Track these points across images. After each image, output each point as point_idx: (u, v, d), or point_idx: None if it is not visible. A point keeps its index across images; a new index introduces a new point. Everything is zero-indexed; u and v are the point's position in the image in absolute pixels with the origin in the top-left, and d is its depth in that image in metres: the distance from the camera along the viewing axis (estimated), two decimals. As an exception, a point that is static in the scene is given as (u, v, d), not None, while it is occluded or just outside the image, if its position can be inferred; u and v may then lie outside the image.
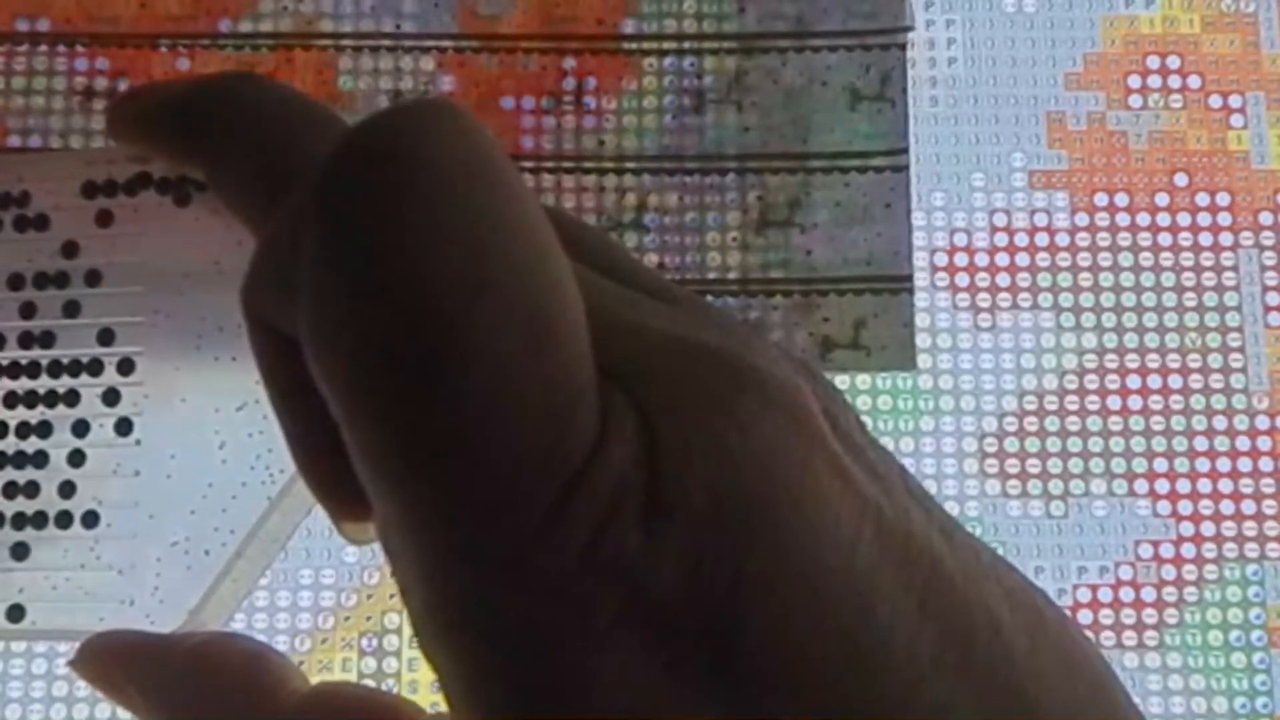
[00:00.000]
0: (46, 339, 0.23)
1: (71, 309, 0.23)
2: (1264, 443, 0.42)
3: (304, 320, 0.15)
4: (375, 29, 0.45)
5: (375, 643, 0.41)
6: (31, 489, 0.22)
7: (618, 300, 0.16)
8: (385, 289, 0.14)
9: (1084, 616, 0.41)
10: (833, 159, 0.43)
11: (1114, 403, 0.42)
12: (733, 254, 0.43)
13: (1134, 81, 0.44)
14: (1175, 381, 0.42)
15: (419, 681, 0.41)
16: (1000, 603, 0.15)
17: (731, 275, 0.43)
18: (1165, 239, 0.43)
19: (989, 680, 0.14)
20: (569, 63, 0.44)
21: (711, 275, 0.43)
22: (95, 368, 0.22)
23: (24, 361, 0.23)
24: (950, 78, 0.45)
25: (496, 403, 0.14)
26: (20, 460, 0.22)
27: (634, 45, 0.44)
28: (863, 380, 0.42)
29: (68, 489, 0.22)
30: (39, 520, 0.22)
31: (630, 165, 0.44)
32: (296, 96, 0.19)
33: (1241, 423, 0.42)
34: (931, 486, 0.41)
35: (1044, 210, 0.44)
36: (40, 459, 0.22)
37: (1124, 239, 0.43)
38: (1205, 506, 0.42)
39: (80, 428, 0.22)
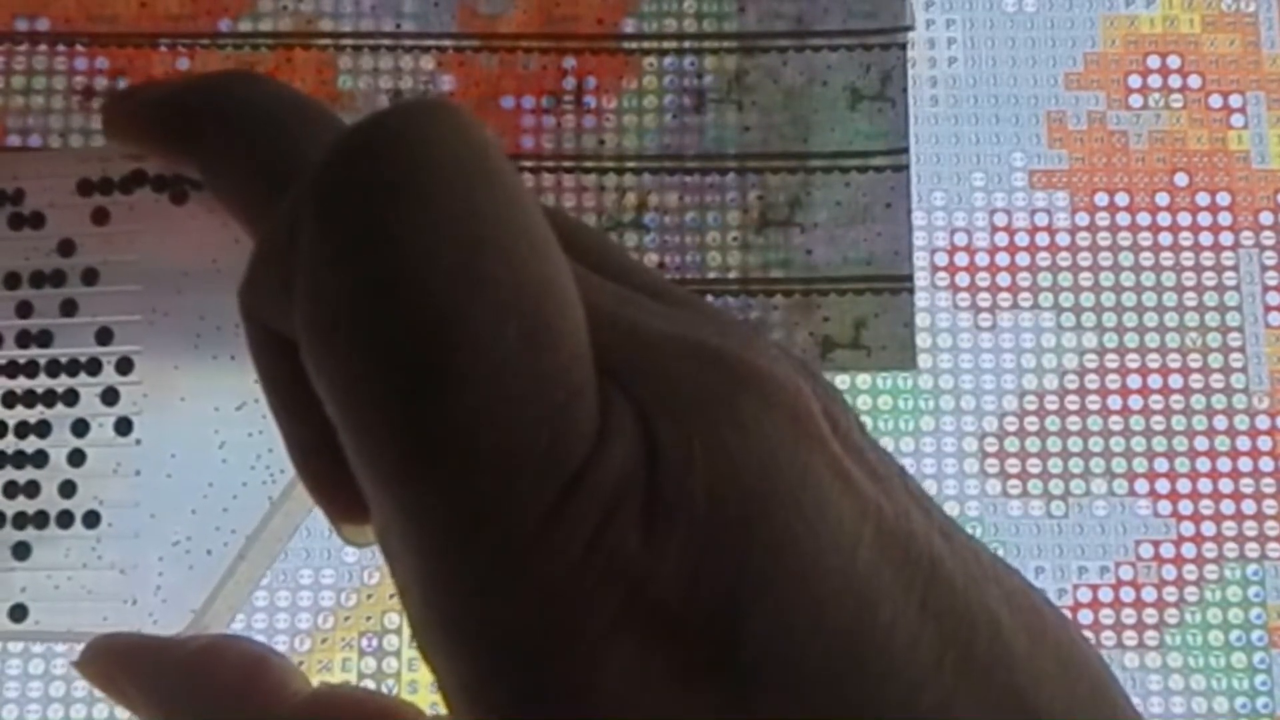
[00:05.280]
0: (44, 338, 0.23)
1: (69, 308, 0.23)
2: (1264, 443, 0.42)
3: (301, 320, 0.15)
4: (375, 28, 0.45)
5: (375, 643, 0.41)
6: (32, 488, 0.22)
7: (616, 299, 0.16)
8: (382, 288, 0.14)
9: (1084, 616, 0.41)
10: (833, 159, 0.43)
11: (1114, 403, 0.42)
12: (733, 254, 0.43)
13: (1134, 81, 0.44)
14: (1175, 381, 0.42)
15: (419, 681, 0.41)
16: (1000, 604, 0.15)
17: (732, 275, 0.43)
18: (1165, 239, 0.43)
19: (989, 681, 0.14)
20: (569, 62, 0.44)
21: (712, 275, 0.43)
22: (94, 367, 0.22)
23: (22, 361, 0.23)
24: (950, 78, 0.45)
25: (494, 402, 0.14)
26: (20, 460, 0.22)
27: (634, 45, 0.44)
28: (863, 380, 0.42)
29: (68, 488, 0.22)
30: (40, 520, 0.22)
31: (630, 165, 0.44)
32: (293, 95, 0.19)
33: (1241, 423, 0.42)
34: (931, 486, 0.41)
35: (1044, 210, 0.44)
36: (40, 458, 0.22)
37: (1124, 239, 0.43)
38: (1205, 506, 0.42)
39: (80, 427, 0.22)
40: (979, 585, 0.15)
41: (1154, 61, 0.45)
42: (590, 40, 0.44)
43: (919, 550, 0.14)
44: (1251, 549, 0.41)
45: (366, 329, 0.14)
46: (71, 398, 0.22)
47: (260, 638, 0.33)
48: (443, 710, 0.15)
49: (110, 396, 0.22)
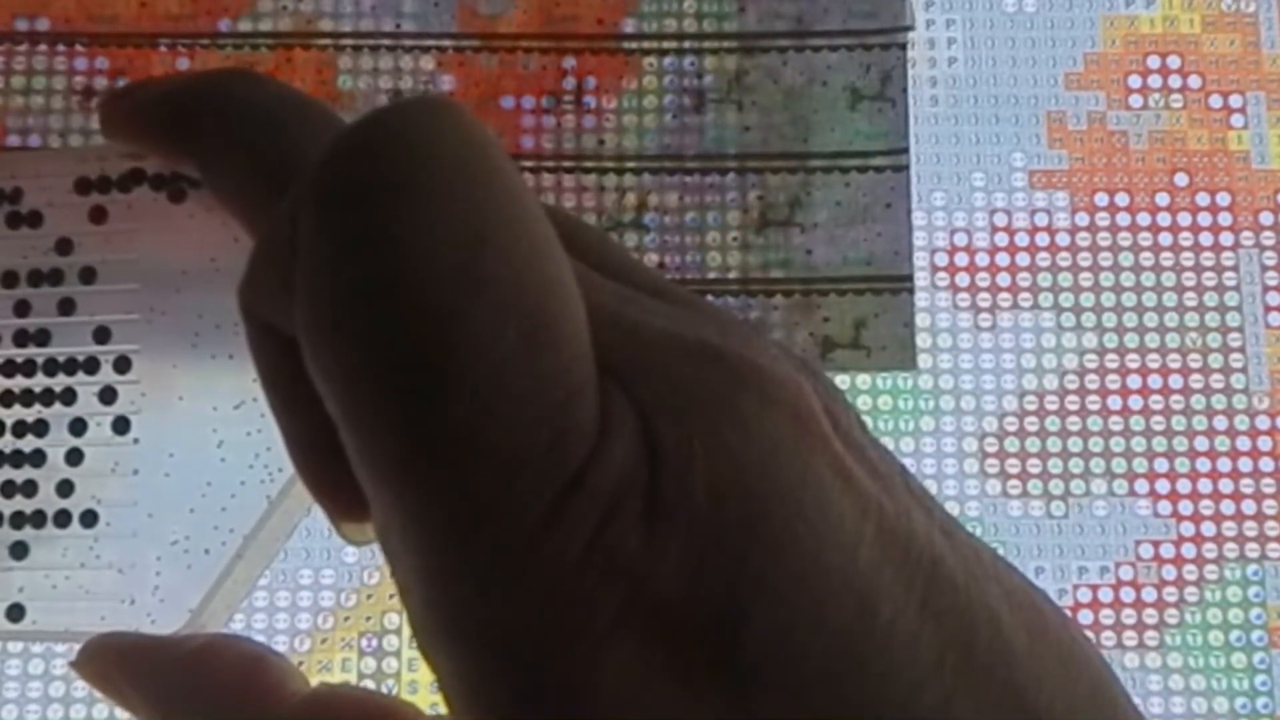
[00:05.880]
0: (42, 337, 0.23)
1: (66, 306, 0.23)
2: (1264, 443, 0.42)
3: (301, 318, 0.15)
4: (375, 28, 0.44)
5: (375, 643, 0.41)
6: (29, 488, 0.22)
7: (617, 298, 0.15)
8: (383, 286, 0.14)
9: (1084, 616, 0.41)
10: (833, 159, 0.43)
11: (1114, 403, 0.42)
12: (733, 254, 0.43)
13: (1134, 81, 0.44)
14: (1175, 381, 0.42)
15: (419, 681, 0.41)
16: (1001, 602, 0.15)
17: (732, 275, 0.43)
18: (1165, 239, 0.43)
19: (989, 680, 0.14)
20: (569, 62, 0.44)
21: (712, 275, 0.43)
22: (91, 366, 0.22)
23: (20, 360, 0.23)
24: (950, 78, 0.45)
25: (495, 401, 0.14)
26: (18, 459, 0.22)
27: (634, 45, 0.44)
28: (863, 380, 0.42)
29: (66, 488, 0.22)
30: (38, 519, 0.22)
31: (630, 165, 0.44)
32: (292, 93, 0.19)
33: (1241, 423, 0.42)
34: (931, 486, 0.41)
35: (1044, 210, 0.44)
36: (38, 458, 0.22)
37: (1124, 239, 0.43)
38: (1205, 506, 0.42)
39: (77, 426, 0.22)
40: (980, 584, 0.15)
41: (1154, 61, 0.45)
42: (590, 40, 0.44)
43: (920, 549, 0.14)
44: (1251, 549, 0.41)
45: (367, 328, 0.14)
46: (69, 397, 0.22)
47: (260, 638, 0.33)
48: (443, 710, 0.15)
49: (108, 395, 0.22)
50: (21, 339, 0.23)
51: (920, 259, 0.43)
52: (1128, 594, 0.41)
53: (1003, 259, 0.43)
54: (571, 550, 0.14)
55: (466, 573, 0.14)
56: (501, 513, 0.14)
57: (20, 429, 0.22)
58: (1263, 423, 0.42)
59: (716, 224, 0.43)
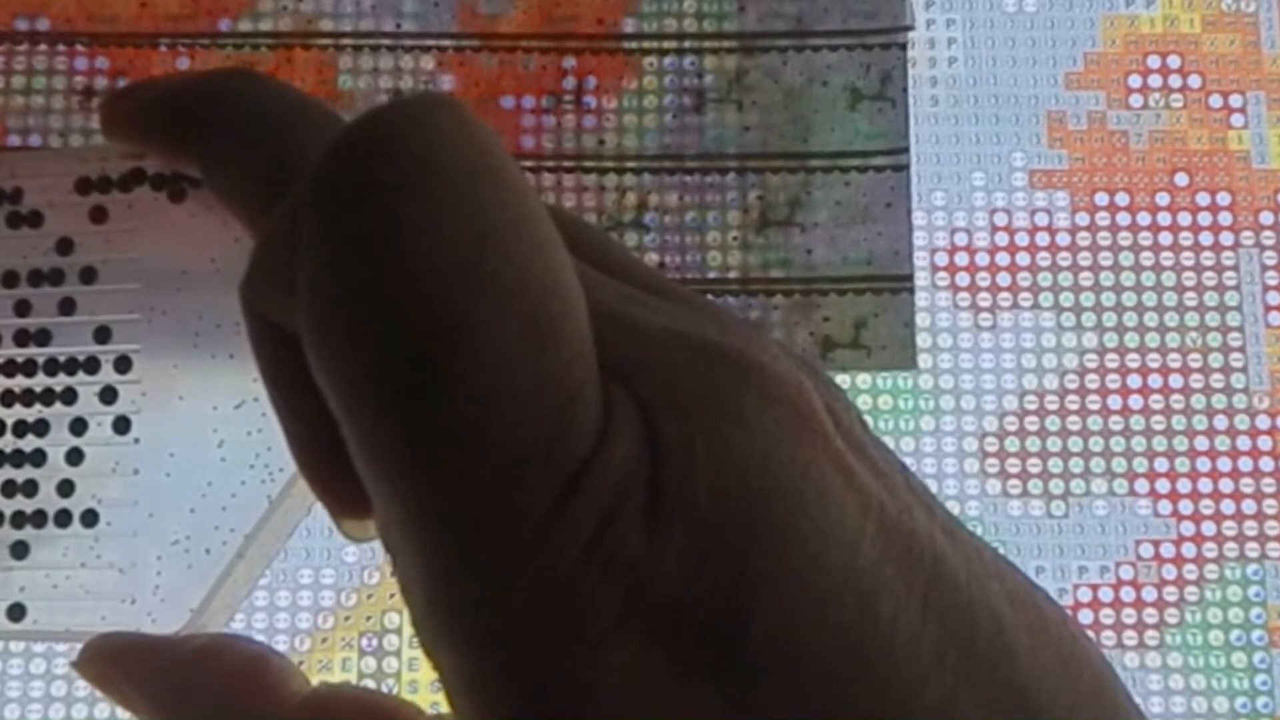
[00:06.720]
0: (42, 336, 0.23)
1: (67, 306, 0.23)
2: (1264, 443, 0.42)
3: (303, 316, 0.15)
4: (375, 28, 0.45)
5: (375, 642, 0.41)
6: (30, 487, 0.22)
7: (618, 297, 0.16)
8: (385, 284, 0.14)
9: (1084, 616, 0.41)
10: (833, 158, 0.43)
11: (1114, 403, 0.42)
12: (733, 253, 0.43)
13: (1134, 81, 0.44)
14: (1175, 381, 0.42)
15: (419, 681, 0.41)
16: (1002, 601, 0.15)
17: (732, 275, 0.43)
18: (1165, 239, 0.43)
19: (990, 679, 0.14)
20: (569, 62, 0.44)
21: (712, 275, 0.43)
22: (92, 365, 0.22)
23: (20, 359, 0.23)
24: (950, 77, 0.45)
25: (497, 399, 0.14)
26: (18, 459, 0.22)
27: (634, 45, 0.44)
28: (863, 380, 0.42)
29: (66, 487, 0.22)
30: (38, 519, 0.22)
31: (630, 165, 0.44)
32: (293, 92, 0.19)
33: (1242, 423, 0.42)
34: (931, 486, 0.41)
35: (1044, 210, 0.44)
36: (38, 457, 0.22)
37: (1124, 239, 0.43)
38: (1205, 506, 0.42)
39: (78, 426, 0.22)
40: (981, 583, 0.15)
41: (1154, 61, 0.45)
42: (590, 40, 0.44)
43: (921, 547, 0.14)
44: (1251, 549, 0.41)
45: (369, 327, 0.14)
46: (70, 396, 0.22)
47: (260, 637, 0.33)
48: (443, 710, 0.15)
49: (108, 395, 0.22)
50: (22, 339, 0.23)
51: (920, 259, 0.43)
52: (1128, 594, 0.41)
53: (1003, 259, 0.43)
54: (572, 549, 0.14)
55: (468, 572, 0.14)
56: (502, 512, 0.14)
57: (21, 428, 0.22)
58: (1263, 423, 0.42)
59: (716, 224, 0.43)
